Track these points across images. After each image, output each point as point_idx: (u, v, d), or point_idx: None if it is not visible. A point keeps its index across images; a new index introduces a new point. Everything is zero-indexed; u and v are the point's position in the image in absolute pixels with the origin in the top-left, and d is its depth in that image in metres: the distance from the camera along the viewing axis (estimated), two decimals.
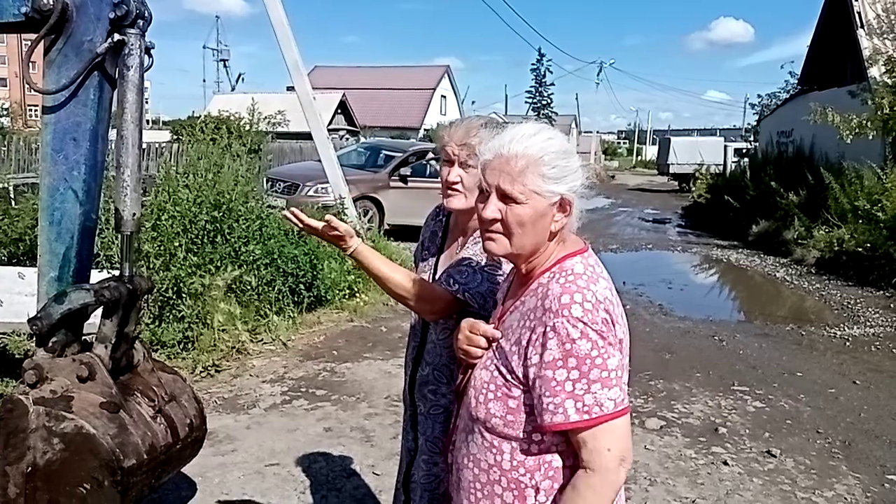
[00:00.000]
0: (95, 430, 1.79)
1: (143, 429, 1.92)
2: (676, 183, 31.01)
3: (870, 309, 8.32)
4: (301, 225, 1.84)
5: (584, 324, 1.36)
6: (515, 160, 1.43)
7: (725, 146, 28.89)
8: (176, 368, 2.49)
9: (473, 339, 1.57)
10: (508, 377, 1.46)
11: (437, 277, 1.98)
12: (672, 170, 31.87)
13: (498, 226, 1.47)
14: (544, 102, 63.65)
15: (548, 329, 1.38)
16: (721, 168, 24.73)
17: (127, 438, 1.84)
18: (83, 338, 2.03)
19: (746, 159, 21.71)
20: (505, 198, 1.44)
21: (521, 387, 1.44)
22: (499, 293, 1.75)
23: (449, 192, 1.91)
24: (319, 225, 1.84)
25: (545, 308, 1.41)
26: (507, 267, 1.79)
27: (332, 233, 1.83)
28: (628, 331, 1.50)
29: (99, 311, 1.95)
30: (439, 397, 1.97)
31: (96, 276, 2.23)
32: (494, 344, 1.53)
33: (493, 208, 1.46)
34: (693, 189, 22.76)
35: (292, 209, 1.89)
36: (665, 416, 4.78)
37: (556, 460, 1.44)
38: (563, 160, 1.45)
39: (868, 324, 7.66)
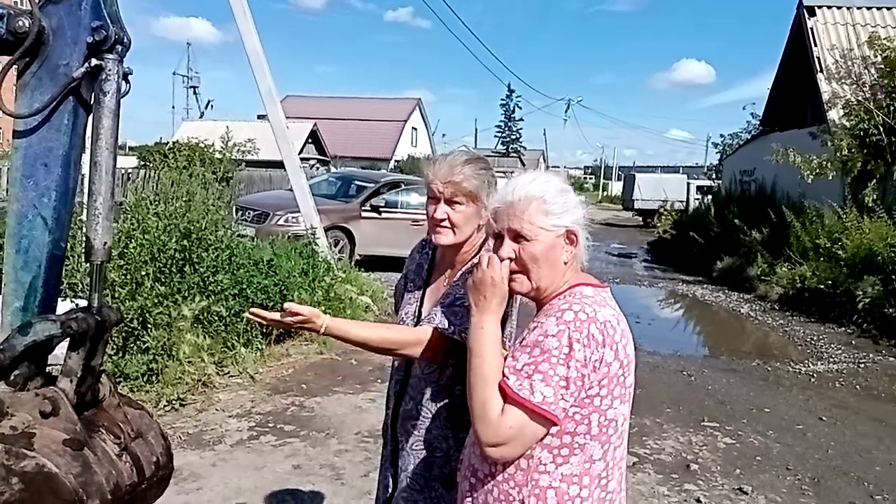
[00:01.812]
0: (58, 468, 1.70)
1: (108, 467, 1.83)
2: (641, 218, 31.54)
3: (833, 345, 8.49)
4: (265, 321, 1.78)
5: (567, 328, 1.47)
6: (520, 203, 1.60)
7: (688, 183, 29.55)
8: (140, 402, 2.40)
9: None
10: None
11: (423, 313, 1.97)
12: (637, 205, 32.41)
13: (514, 265, 1.61)
14: (513, 137, 64.70)
15: (539, 323, 1.52)
16: (684, 204, 25.21)
17: (91, 478, 1.75)
18: (47, 370, 1.95)
19: (710, 196, 22.17)
20: (517, 237, 1.60)
21: None
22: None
23: (437, 228, 1.93)
24: (277, 315, 1.77)
25: (545, 313, 1.54)
26: None
27: (297, 318, 1.75)
28: (632, 373, 1.57)
29: (64, 343, 1.87)
30: (423, 432, 1.94)
31: (62, 305, 2.15)
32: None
33: (507, 249, 1.60)
34: (658, 224, 23.12)
35: (253, 310, 1.82)
36: (637, 453, 4.77)
37: (542, 480, 1.52)
38: (562, 197, 1.62)
39: (832, 360, 7.80)
